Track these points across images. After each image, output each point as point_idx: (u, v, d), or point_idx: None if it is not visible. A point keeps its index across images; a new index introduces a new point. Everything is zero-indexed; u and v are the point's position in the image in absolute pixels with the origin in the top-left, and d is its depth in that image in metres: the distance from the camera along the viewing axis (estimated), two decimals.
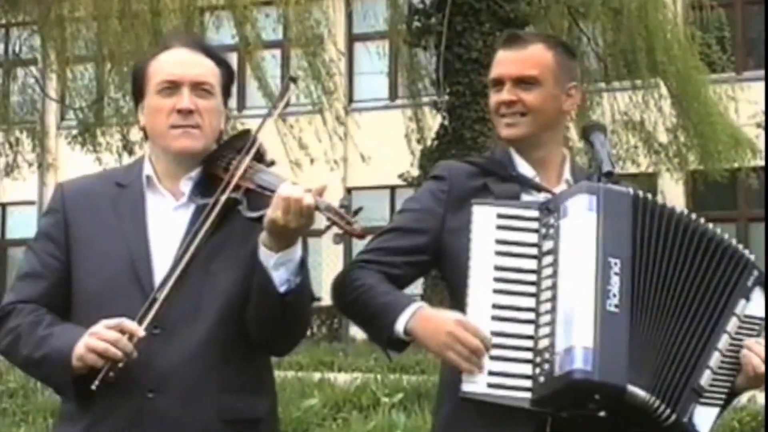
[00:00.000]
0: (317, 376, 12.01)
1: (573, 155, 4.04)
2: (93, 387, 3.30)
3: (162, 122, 3.59)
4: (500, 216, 3.54)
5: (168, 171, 3.64)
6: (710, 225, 3.54)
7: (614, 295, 3.31)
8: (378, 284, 3.63)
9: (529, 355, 3.39)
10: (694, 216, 3.53)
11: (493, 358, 3.41)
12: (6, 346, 3.54)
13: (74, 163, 21.97)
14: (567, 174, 3.78)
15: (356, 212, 3.37)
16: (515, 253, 3.51)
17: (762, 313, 3.52)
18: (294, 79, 3.44)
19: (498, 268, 3.49)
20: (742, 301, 3.49)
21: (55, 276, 3.58)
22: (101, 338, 3.25)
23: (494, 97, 3.79)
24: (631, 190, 3.49)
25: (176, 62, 3.64)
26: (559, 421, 3.42)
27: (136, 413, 3.42)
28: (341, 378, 12.50)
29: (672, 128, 22.37)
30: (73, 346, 3.31)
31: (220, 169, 3.56)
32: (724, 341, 3.43)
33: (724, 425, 11.04)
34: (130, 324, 3.28)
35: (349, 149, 23.07)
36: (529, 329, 3.41)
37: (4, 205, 31.59)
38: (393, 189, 22.18)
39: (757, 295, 3.52)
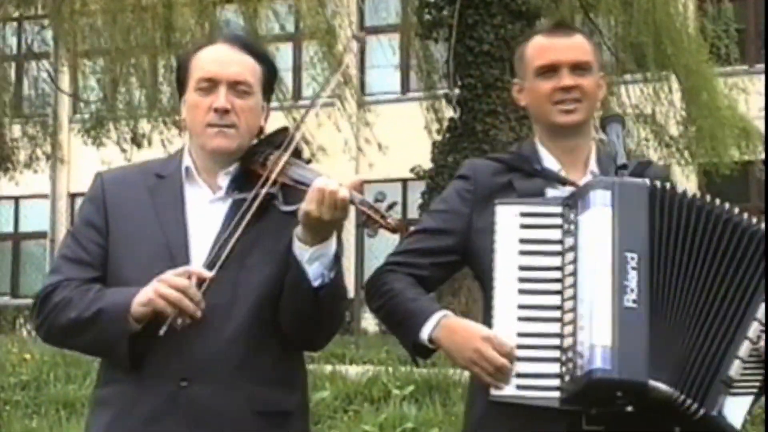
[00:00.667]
0: (329, 368, 12.01)
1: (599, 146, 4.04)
2: (161, 332, 3.32)
3: (199, 120, 3.63)
4: (523, 214, 3.56)
5: (206, 165, 3.68)
6: (727, 206, 3.48)
7: (632, 290, 3.31)
8: (405, 289, 3.69)
9: (556, 353, 3.40)
10: (710, 199, 3.49)
11: (521, 359, 3.42)
12: (51, 318, 3.54)
13: (86, 157, 22.03)
14: (593, 165, 3.79)
15: (391, 206, 3.37)
16: (539, 251, 3.52)
17: None
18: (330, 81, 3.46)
19: (523, 268, 3.51)
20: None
21: (98, 262, 3.61)
22: (171, 284, 3.28)
23: (547, 84, 3.76)
24: (648, 182, 3.48)
25: (215, 60, 3.68)
26: (593, 417, 3.42)
27: (169, 401, 3.45)
28: (352, 370, 12.50)
29: (683, 121, 22.35)
30: (131, 299, 3.34)
31: (257, 164, 3.60)
32: (754, 329, 3.38)
33: None
34: (197, 269, 3.33)
35: (361, 142, 23.07)
36: (555, 327, 3.42)
37: (17, 199, 31.62)
38: (405, 182, 22.12)
39: None
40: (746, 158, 22.42)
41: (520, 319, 3.45)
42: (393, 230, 3.38)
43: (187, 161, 3.70)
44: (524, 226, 3.54)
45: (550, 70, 3.77)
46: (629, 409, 3.30)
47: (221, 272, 3.41)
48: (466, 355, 3.47)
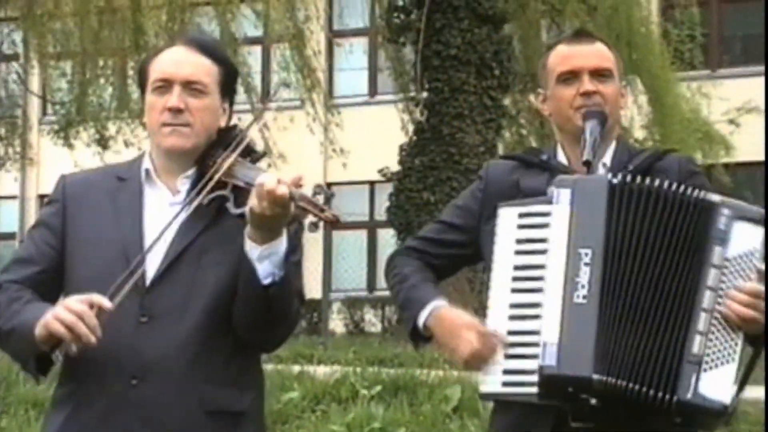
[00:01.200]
0: (297, 368, 12.02)
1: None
2: (53, 356, 3.34)
3: (155, 120, 3.64)
4: (521, 215, 3.60)
5: (164, 167, 3.68)
6: (674, 186, 3.49)
7: (582, 286, 3.37)
8: (412, 274, 3.78)
9: (537, 350, 3.43)
10: (668, 185, 3.50)
11: (507, 356, 3.48)
12: None
13: (55, 158, 22.01)
14: (607, 157, 3.79)
15: (328, 200, 3.36)
16: (532, 250, 3.56)
17: (747, 247, 3.44)
18: (287, 85, 3.50)
19: (516, 268, 3.56)
20: (718, 248, 3.43)
21: (47, 263, 3.62)
22: (70, 309, 3.26)
23: (569, 90, 3.77)
24: (608, 177, 3.51)
25: (170, 61, 3.69)
26: (579, 414, 3.45)
27: (120, 399, 3.44)
28: (321, 371, 12.51)
29: (647, 124, 22.46)
30: (38, 320, 3.32)
31: (208, 167, 3.57)
32: (709, 299, 3.38)
33: None
34: (98, 298, 3.28)
35: (328, 145, 23.10)
36: (536, 324, 3.45)
37: None
38: (372, 184, 22.15)
39: (737, 232, 3.44)
40: (709, 161, 22.51)
41: (511, 318, 3.51)
42: (331, 222, 3.37)
43: (146, 164, 3.71)
44: (521, 227, 3.58)
45: (571, 76, 3.78)
46: (593, 402, 3.33)
47: (176, 271, 3.49)
48: (450, 343, 3.55)
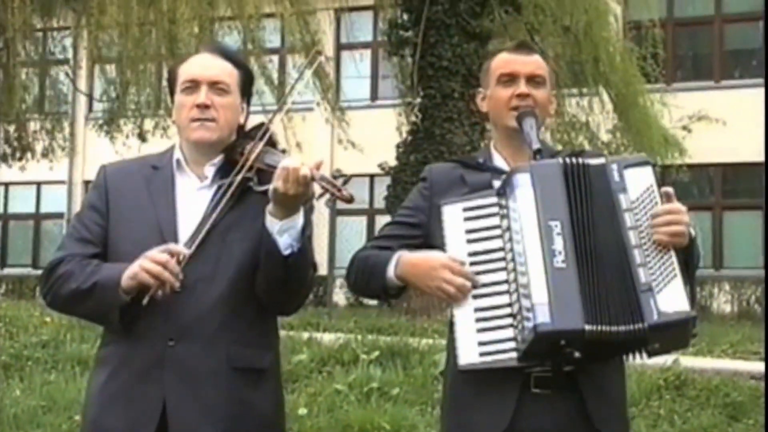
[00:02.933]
0: (306, 335, 12.02)
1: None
2: (144, 302, 3.41)
3: (184, 116, 3.70)
4: (465, 209, 3.65)
5: (193, 157, 3.75)
6: (605, 161, 3.60)
7: (559, 253, 3.41)
8: (371, 254, 3.81)
9: (509, 320, 3.48)
10: (588, 160, 3.61)
11: (479, 330, 3.51)
12: (57, 285, 3.61)
13: (98, 148, 21.97)
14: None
15: (346, 181, 3.48)
16: (483, 237, 3.61)
17: (642, 187, 3.52)
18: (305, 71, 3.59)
19: (471, 254, 3.59)
20: (622, 196, 3.50)
21: (96, 239, 3.69)
22: (154, 260, 3.36)
23: (506, 91, 3.85)
24: (560, 160, 3.57)
25: (197, 65, 3.76)
26: (541, 380, 3.56)
27: (158, 358, 3.51)
28: (326, 337, 12.50)
29: (612, 129, 22.48)
30: (122, 274, 3.42)
31: (237, 155, 3.65)
32: (633, 237, 3.45)
33: (651, 383, 11.11)
34: (176, 247, 3.43)
35: (335, 142, 23.06)
36: (505, 299, 3.50)
37: (39, 184, 31.50)
38: (372, 177, 22.12)
39: (629, 178, 3.52)
40: (666, 162, 22.53)
41: (475, 297, 3.53)
42: (347, 200, 3.46)
43: (177, 154, 3.77)
44: (468, 219, 3.63)
45: (509, 79, 3.85)
46: (577, 355, 3.37)
47: (205, 247, 3.53)
48: (431, 284, 3.56)
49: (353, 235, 26.54)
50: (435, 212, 3.73)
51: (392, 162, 20.90)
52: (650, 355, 3.50)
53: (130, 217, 3.68)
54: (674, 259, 3.44)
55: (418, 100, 20.79)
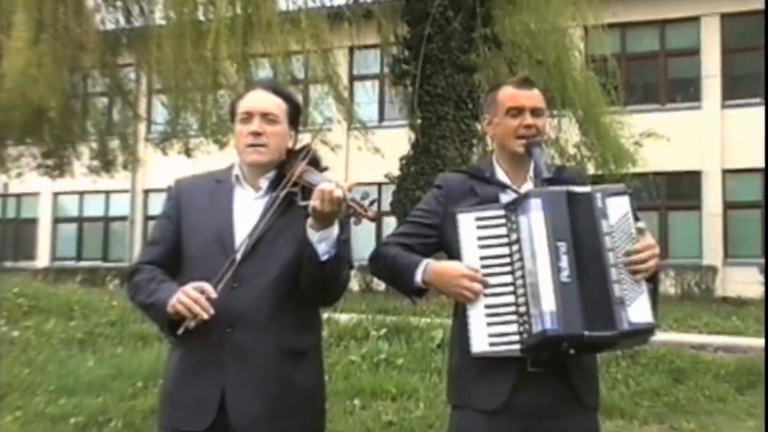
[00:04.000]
0: (326, 315, 11.98)
1: None
2: (178, 333, 3.49)
3: (242, 142, 3.77)
4: (478, 219, 3.68)
5: (249, 173, 3.81)
6: (591, 190, 3.64)
7: (565, 270, 3.46)
8: (398, 253, 3.82)
9: (514, 317, 3.55)
10: (578, 189, 3.64)
11: (489, 324, 3.58)
12: (132, 294, 3.73)
13: (154, 163, 22.03)
14: (531, 172, 3.85)
15: (372, 203, 3.50)
16: (492, 244, 3.65)
17: (620, 213, 3.58)
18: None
19: (482, 258, 3.64)
20: (604, 221, 3.55)
21: (169, 243, 3.78)
22: (187, 295, 3.43)
23: (514, 122, 3.88)
24: (565, 189, 3.60)
25: (252, 99, 3.81)
26: (536, 361, 3.62)
27: (218, 342, 3.56)
28: (342, 317, 12.49)
29: (577, 144, 22.47)
30: (167, 300, 3.48)
31: (286, 171, 3.70)
32: (612, 258, 3.51)
33: (610, 353, 11.08)
34: (207, 287, 3.45)
35: (350, 155, 23.02)
36: (510, 299, 3.56)
37: (107, 193, 31.50)
38: (380, 185, 22.09)
39: (610, 205, 3.58)
40: (622, 171, 22.53)
41: (486, 295, 3.59)
42: (372, 220, 3.49)
43: (236, 171, 3.82)
44: (479, 227, 3.66)
45: (517, 111, 3.87)
46: (572, 351, 3.47)
47: (257, 249, 3.60)
48: (453, 290, 3.62)
49: (364, 232, 26.38)
50: (450, 218, 3.76)
51: (396, 172, 20.86)
52: (616, 350, 3.60)
53: (196, 225, 3.74)
54: (643, 280, 3.54)
55: (418, 121, 20.75)
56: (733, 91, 27.19)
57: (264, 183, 3.76)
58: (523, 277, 3.53)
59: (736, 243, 26.44)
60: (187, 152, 21.37)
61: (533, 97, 3.91)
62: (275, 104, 3.78)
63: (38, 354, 11.15)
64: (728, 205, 26.82)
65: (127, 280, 3.79)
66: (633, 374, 10.95)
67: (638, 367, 11.24)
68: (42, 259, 33.65)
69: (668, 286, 25.49)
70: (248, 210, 3.69)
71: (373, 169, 21.62)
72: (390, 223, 23.29)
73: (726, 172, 26.76)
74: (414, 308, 12.47)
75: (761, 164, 25.63)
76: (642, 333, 3.51)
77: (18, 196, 30.58)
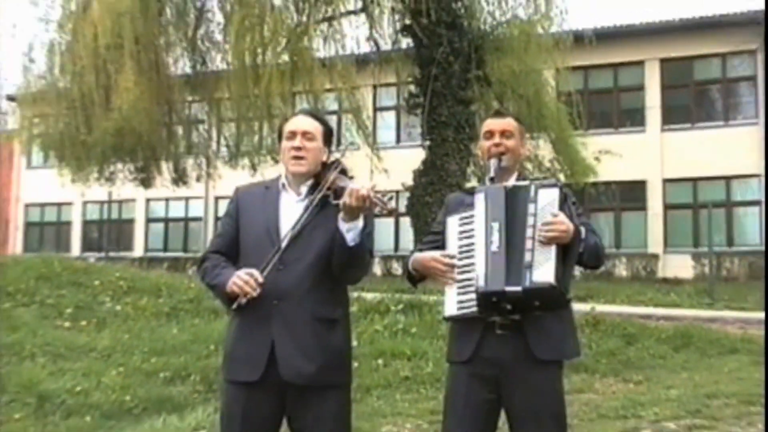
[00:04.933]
0: (356, 294, 12.01)
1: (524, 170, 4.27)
2: (233, 308, 3.56)
3: (286, 155, 3.79)
4: (460, 218, 3.74)
5: (292, 181, 3.80)
6: (529, 183, 3.68)
7: (494, 242, 3.55)
8: (414, 253, 3.92)
9: (474, 288, 3.58)
10: (520, 183, 3.74)
11: (458, 294, 3.64)
12: (201, 276, 3.78)
13: (225, 175, 22.07)
14: (511, 181, 3.85)
15: (390, 199, 3.54)
16: (466, 236, 3.69)
17: (546, 201, 3.57)
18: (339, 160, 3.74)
19: (460, 246, 3.69)
20: (531, 205, 3.56)
21: (230, 235, 3.81)
22: (239, 278, 3.49)
23: (488, 143, 3.92)
24: (505, 184, 3.71)
25: (295, 122, 3.84)
26: (502, 325, 3.65)
27: (268, 311, 3.57)
28: (369, 295, 12.49)
29: (551, 160, 22.47)
30: (227, 282, 3.53)
31: (321, 179, 3.72)
32: (529, 232, 3.53)
33: (577, 322, 11.06)
34: (255, 272, 3.50)
35: (374, 169, 23.02)
36: (473, 274, 3.60)
37: (186, 199, 31.57)
38: (397, 192, 21.99)
39: (540, 195, 3.59)
40: (586, 181, 22.55)
41: (458, 272, 3.65)
42: (390, 211, 3.52)
43: (282, 180, 3.82)
44: (460, 225, 3.72)
45: (490, 135, 3.92)
46: (509, 307, 3.53)
47: (298, 239, 3.62)
48: (429, 272, 3.74)
49: (385, 228, 26.60)
50: (445, 223, 3.84)
51: (410, 182, 20.86)
52: (545, 310, 3.59)
53: (250, 221, 3.75)
54: (554, 249, 3.51)
55: (426, 143, 20.76)
56: (670, 118, 27.18)
57: (304, 189, 3.77)
58: (475, 255, 3.62)
59: (673, 236, 26.39)
60: (253, 167, 21.36)
61: (502, 123, 3.95)
62: (313, 126, 3.80)
63: (135, 323, 11.22)
64: (667, 207, 26.76)
65: (199, 265, 3.82)
66: (594, 338, 10.96)
67: (598, 333, 11.25)
68: (137, 250, 33.76)
69: (621, 270, 25.58)
70: (291, 210, 3.71)
71: (391, 179, 21.68)
72: (406, 223, 23.35)
73: (665, 181, 26.72)
74: (425, 288, 12.44)
75: (692, 174, 25.75)
76: (543, 290, 3.49)
77: (119, 201, 30.64)
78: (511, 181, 3.81)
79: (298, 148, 3.74)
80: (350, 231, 3.55)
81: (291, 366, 3.53)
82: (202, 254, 3.88)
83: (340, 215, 3.55)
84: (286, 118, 3.97)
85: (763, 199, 25.01)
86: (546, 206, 3.57)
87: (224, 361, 3.76)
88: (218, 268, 3.69)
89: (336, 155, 3.92)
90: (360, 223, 3.58)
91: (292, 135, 3.78)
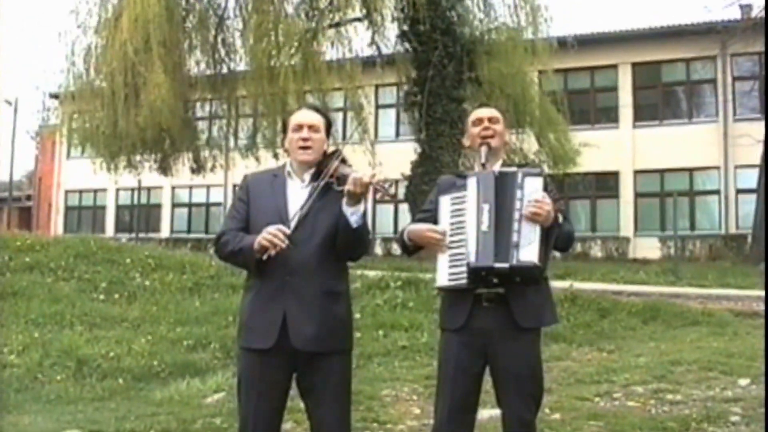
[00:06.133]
0: (359, 271, 12.01)
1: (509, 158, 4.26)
2: (264, 257, 3.50)
3: (294, 145, 3.74)
4: (452, 198, 3.72)
5: (297, 168, 3.76)
6: (516, 170, 3.66)
7: (484, 222, 3.55)
8: (407, 226, 3.90)
9: (464, 261, 3.60)
10: (508, 170, 3.72)
11: (450, 266, 3.65)
12: (222, 247, 3.70)
13: (241, 164, 22.05)
14: (497, 166, 3.82)
15: (390, 185, 3.57)
16: (457, 214, 3.68)
17: (532, 188, 3.57)
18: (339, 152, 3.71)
19: (452, 224, 3.68)
20: (518, 191, 3.57)
21: (242, 217, 3.73)
22: (269, 232, 3.47)
23: (477, 129, 3.90)
24: (495, 171, 3.70)
25: (302, 115, 3.80)
26: (488, 297, 3.65)
27: (280, 286, 3.55)
28: (371, 273, 12.44)
29: (536, 152, 22.39)
30: (254, 241, 3.51)
31: (323, 168, 3.69)
32: (516, 215, 3.53)
33: (557, 298, 11.08)
34: (282, 227, 3.49)
35: (375, 161, 23.00)
36: (463, 250, 3.61)
37: (207, 186, 31.53)
38: (397, 181, 21.93)
39: (527, 182, 3.58)
40: (567, 171, 22.61)
41: (449, 248, 3.66)
42: (392, 197, 3.68)
43: (288, 168, 3.79)
44: (452, 204, 3.71)
45: (478, 122, 3.92)
46: (495, 281, 3.56)
47: (306, 221, 3.59)
48: (423, 240, 3.73)
49: (386, 214, 26.62)
50: (437, 202, 3.83)
51: (408, 172, 20.85)
52: (525, 285, 3.59)
53: (261, 205, 3.70)
54: (538, 231, 3.53)
55: (423, 137, 20.74)
56: (641, 116, 27.11)
57: (307, 176, 3.73)
58: (465, 232, 3.62)
59: (642, 221, 26.37)
60: (275, 155, 21.24)
61: (489, 110, 3.96)
62: (317, 119, 3.78)
63: (162, 297, 11.22)
64: (638, 195, 26.70)
65: (216, 242, 3.76)
66: (572, 312, 10.94)
67: (576, 307, 11.23)
68: (164, 232, 33.77)
69: (596, 251, 25.56)
70: (297, 195, 3.68)
71: (392, 169, 21.67)
72: (404, 208, 23.36)
73: (636, 172, 26.66)
74: (421, 266, 12.45)
75: (660, 166, 25.73)
76: (527, 268, 3.51)
77: (148, 188, 30.52)
78: (497, 167, 3.80)
79: (306, 139, 3.71)
80: (353, 214, 3.55)
81: (301, 334, 3.52)
82: (217, 234, 3.82)
83: (344, 200, 3.55)
84: (291, 112, 3.95)
85: (722, 188, 25.19)
86: (532, 192, 3.57)
87: (240, 331, 3.74)
88: (239, 237, 3.65)
89: (333, 147, 3.91)
90: (362, 207, 3.58)
91: (299, 127, 3.74)
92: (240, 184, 3.89)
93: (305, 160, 3.73)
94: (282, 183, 3.76)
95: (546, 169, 21.34)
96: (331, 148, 3.83)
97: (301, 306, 3.55)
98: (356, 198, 3.54)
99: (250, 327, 3.64)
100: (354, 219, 3.55)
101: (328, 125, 3.86)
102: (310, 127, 3.74)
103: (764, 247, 18.70)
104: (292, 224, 3.57)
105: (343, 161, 3.71)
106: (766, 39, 19.70)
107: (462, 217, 3.67)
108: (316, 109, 3.87)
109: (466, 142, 4.05)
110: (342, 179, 3.59)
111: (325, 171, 3.65)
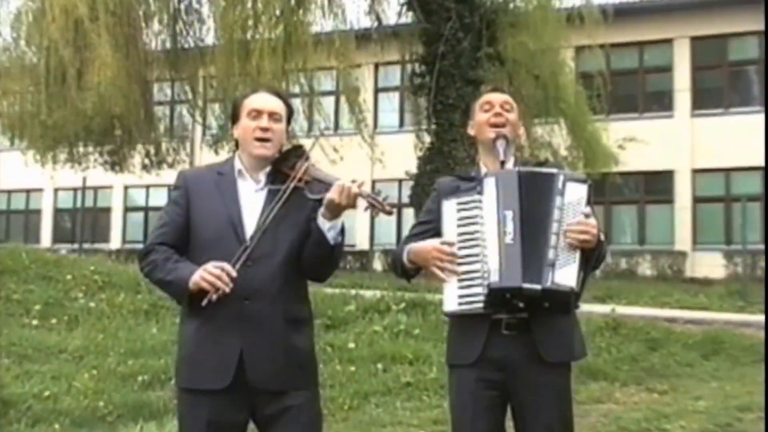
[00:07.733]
0: (353, 291, 12.00)
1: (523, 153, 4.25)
2: (203, 304, 3.43)
3: (249, 136, 3.69)
4: (458, 203, 3.72)
5: (251, 166, 3.73)
6: (556, 172, 3.66)
7: (509, 233, 3.53)
8: (395, 249, 3.93)
9: (479, 281, 3.57)
10: (541, 170, 3.73)
11: (460, 287, 3.62)
12: (148, 271, 3.64)
13: (209, 159, 21.99)
14: (510, 164, 3.81)
15: (385, 198, 3.50)
16: (468, 223, 3.68)
17: (576, 197, 3.59)
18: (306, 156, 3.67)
19: (459, 234, 3.68)
20: (558, 198, 3.56)
21: (179, 226, 3.68)
22: (210, 273, 3.40)
23: (486, 115, 3.93)
24: (517, 169, 3.70)
25: (261, 99, 3.75)
26: (509, 324, 3.64)
27: (237, 313, 3.52)
28: (368, 293, 12.48)
29: (568, 147, 22.43)
30: (190, 276, 3.44)
31: (286, 167, 3.66)
32: (555, 227, 3.53)
33: (596, 325, 11.04)
34: (228, 266, 3.42)
35: (375, 155, 23.01)
36: (478, 266, 3.59)
37: (169, 186, 31.49)
38: (400, 181, 22.09)
39: (569, 188, 3.58)
40: (606, 170, 22.58)
41: (459, 263, 3.63)
42: (388, 213, 3.48)
43: (238, 165, 3.75)
44: (460, 210, 3.70)
45: (489, 107, 3.93)
46: (521, 305, 3.55)
47: (267, 233, 3.55)
48: (427, 263, 3.70)
49: (387, 222, 26.59)
50: (440, 209, 3.80)
51: (414, 170, 20.87)
52: (552, 312, 3.58)
53: (207, 211, 3.66)
54: (578, 253, 3.53)
55: (433, 127, 20.79)
56: (701, 102, 27.17)
57: (263, 176, 3.71)
58: (484, 246, 3.60)
59: (702, 232, 26.39)
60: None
61: (502, 96, 3.97)
62: (279, 105, 3.75)
63: (111, 322, 11.22)
64: (696, 200, 26.75)
65: (142, 258, 3.67)
66: (615, 343, 10.94)
67: (619, 337, 11.24)
68: (115, 241, 33.84)
69: (645, 268, 25.58)
70: (252, 200, 3.65)
71: (394, 167, 21.67)
72: (409, 214, 23.37)
73: (695, 171, 26.70)
74: (429, 285, 12.45)
75: (725, 164, 25.71)
76: (563, 294, 3.52)
77: (95, 188, 30.60)
78: (509, 166, 3.80)
79: (265, 129, 3.67)
80: (331, 230, 3.55)
81: (260, 372, 3.52)
82: (144, 246, 3.73)
83: (321, 211, 3.53)
84: (245, 94, 3.89)
85: None
86: (574, 202, 3.57)
87: (180, 367, 3.68)
88: (170, 261, 3.58)
89: (295, 141, 3.90)
90: (340, 221, 3.58)
91: (258, 114, 3.69)
92: (175, 184, 3.82)
93: (262, 155, 3.68)
94: (231, 183, 3.71)
95: (580, 168, 21.66)
96: (288, 144, 3.80)
97: (261, 337, 3.54)
98: (338, 210, 3.52)
99: (198, 363, 3.59)
100: (332, 235, 3.55)
101: (290, 114, 3.84)
102: (271, 115, 3.70)
103: (765, 255, 18.76)
104: (255, 238, 3.55)
105: (307, 159, 3.69)
106: (766, 34, 19.86)
107: (475, 227, 3.65)
108: (277, 93, 3.83)
109: (471, 130, 4.05)
110: (315, 185, 3.58)
111: (294, 173, 3.61)
